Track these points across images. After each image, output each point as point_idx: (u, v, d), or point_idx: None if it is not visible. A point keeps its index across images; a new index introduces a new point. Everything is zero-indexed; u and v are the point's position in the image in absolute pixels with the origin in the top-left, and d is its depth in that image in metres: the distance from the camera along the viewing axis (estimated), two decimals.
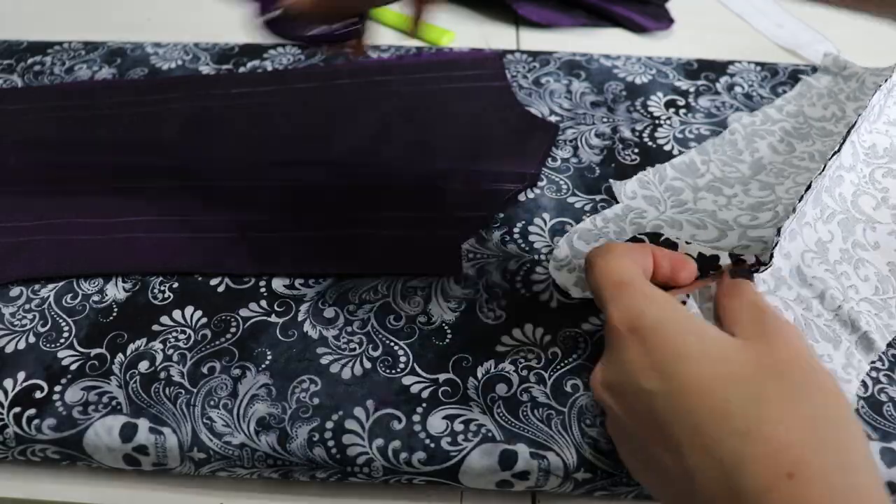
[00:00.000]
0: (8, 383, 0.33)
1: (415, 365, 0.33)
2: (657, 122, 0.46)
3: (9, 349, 0.34)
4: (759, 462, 0.22)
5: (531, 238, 0.39)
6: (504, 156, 0.43)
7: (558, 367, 0.33)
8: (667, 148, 0.45)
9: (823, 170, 0.36)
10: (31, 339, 0.34)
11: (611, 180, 0.42)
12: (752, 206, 0.40)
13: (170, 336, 0.34)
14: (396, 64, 0.50)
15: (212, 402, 0.32)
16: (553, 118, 0.47)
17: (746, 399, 0.24)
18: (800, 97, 0.48)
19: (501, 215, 0.40)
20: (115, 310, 0.36)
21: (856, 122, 0.39)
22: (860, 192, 0.39)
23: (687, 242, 0.33)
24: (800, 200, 0.34)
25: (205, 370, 0.33)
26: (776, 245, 0.31)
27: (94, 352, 0.34)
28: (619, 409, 0.27)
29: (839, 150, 0.37)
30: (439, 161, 0.43)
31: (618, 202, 0.41)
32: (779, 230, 0.32)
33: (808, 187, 0.34)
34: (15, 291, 0.36)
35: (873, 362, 0.34)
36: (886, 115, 0.42)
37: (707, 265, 0.32)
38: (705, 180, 0.42)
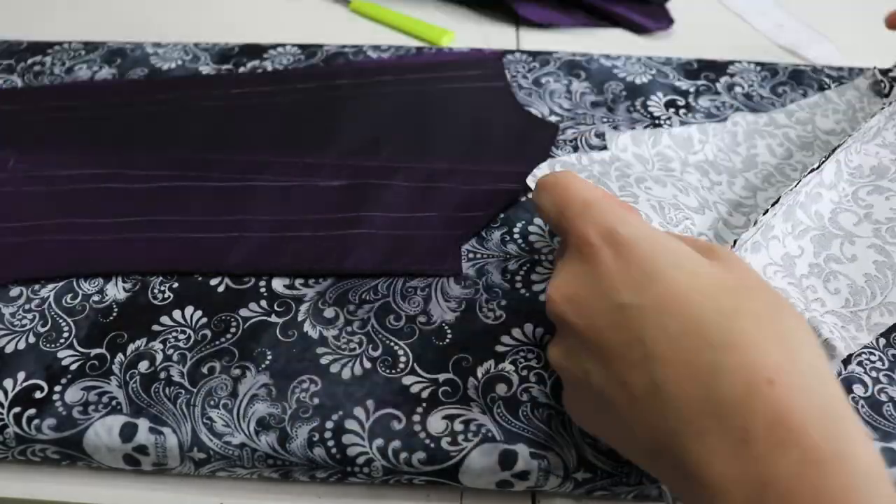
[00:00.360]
0: (8, 383, 0.33)
1: (415, 365, 0.33)
2: (657, 122, 0.46)
3: (9, 349, 0.34)
4: (736, 371, 0.22)
5: (531, 238, 0.39)
6: (504, 156, 0.43)
7: None
8: None
9: (798, 185, 0.36)
10: (31, 339, 0.34)
11: (605, 128, 0.43)
12: (730, 202, 0.40)
13: (170, 336, 0.34)
14: (396, 64, 0.50)
15: (212, 402, 0.32)
16: (553, 118, 0.47)
17: (722, 312, 0.24)
18: (815, 106, 0.48)
19: (502, 215, 0.40)
20: (116, 310, 0.36)
21: (845, 142, 0.39)
22: (840, 210, 0.38)
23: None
24: (765, 213, 0.34)
25: (205, 370, 0.33)
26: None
27: (94, 352, 0.34)
28: (580, 324, 0.26)
29: (819, 168, 0.37)
30: (439, 161, 0.43)
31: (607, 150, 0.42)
32: (735, 242, 0.33)
33: (777, 201, 0.34)
34: (15, 291, 0.36)
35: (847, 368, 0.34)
36: (882, 136, 0.41)
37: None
38: (696, 158, 0.43)
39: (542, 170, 0.41)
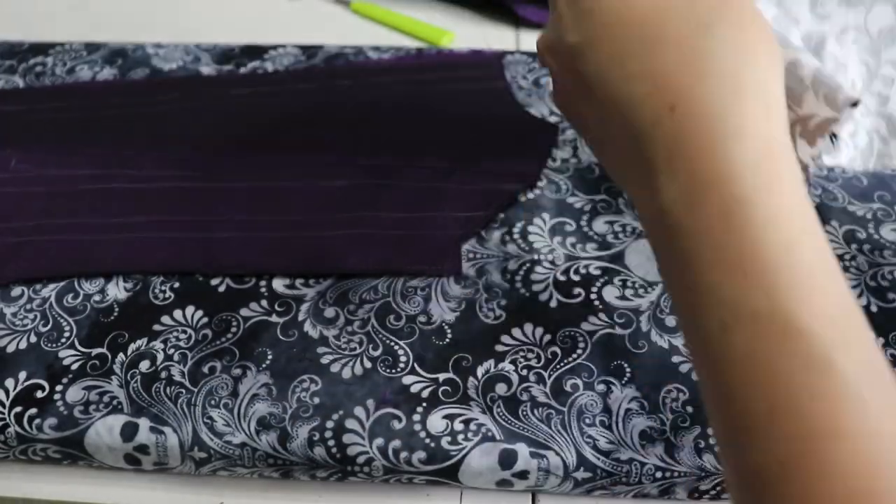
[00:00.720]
0: (9, 383, 0.33)
1: (415, 365, 0.33)
2: None
3: (10, 349, 0.34)
4: (645, 100, 0.22)
5: (531, 238, 0.39)
6: (504, 156, 0.43)
7: (558, 366, 0.33)
8: None
9: None
10: (33, 339, 0.34)
11: None
12: None
13: (171, 336, 0.35)
14: (396, 65, 0.51)
15: (212, 402, 0.32)
16: (553, 118, 0.47)
17: (644, 41, 0.23)
18: None
19: (502, 215, 0.40)
20: (116, 310, 0.36)
21: None
22: None
23: None
24: None
25: (205, 370, 0.33)
26: None
27: (95, 351, 0.34)
28: (558, 70, 0.27)
29: None
30: (439, 161, 0.43)
31: None
32: None
33: None
34: (16, 291, 0.37)
35: None
36: None
37: None
38: None
39: None
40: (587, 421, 0.31)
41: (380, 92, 0.48)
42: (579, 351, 0.34)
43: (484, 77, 0.49)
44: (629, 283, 0.37)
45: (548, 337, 0.34)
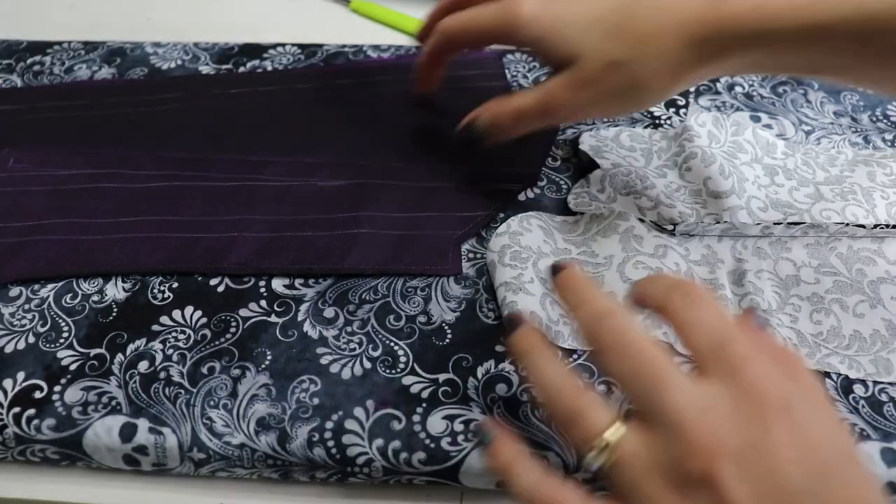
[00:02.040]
0: (7, 383, 0.33)
1: (415, 365, 0.33)
2: (657, 121, 0.46)
3: (8, 349, 0.34)
4: None
5: None
6: (503, 156, 0.43)
7: None
8: None
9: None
10: (31, 340, 0.34)
11: (605, 128, 0.44)
12: (776, 202, 0.40)
13: (169, 336, 0.34)
14: (395, 64, 0.50)
15: (211, 403, 0.32)
16: None
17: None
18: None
19: (501, 215, 0.40)
20: (115, 310, 0.36)
21: None
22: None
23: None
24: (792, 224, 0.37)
25: (204, 370, 0.33)
26: None
27: (93, 352, 0.34)
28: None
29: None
30: (439, 161, 0.43)
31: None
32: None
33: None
34: (14, 291, 0.36)
35: None
36: None
37: None
38: (771, 162, 0.43)
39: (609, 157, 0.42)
40: None
41: (379, 91, 0.48)
42: (579, 351, 0.34)
43: (483, 76, 0.49)
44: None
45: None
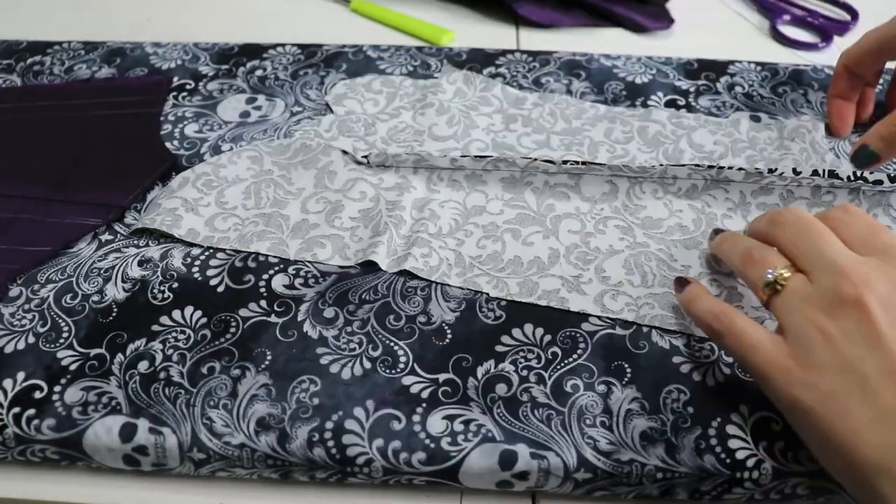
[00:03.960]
0: (7, 383, 0.33)
1: (415, 365, 0.33)
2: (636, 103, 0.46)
3: (8, 349, 0.34)
4: None
5: None
6: (94, 186, 0.42)
7: (558, 367, 0.33)
8: None
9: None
10: (31, 340, 0.34)
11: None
12: (502, 144, 0.44)
13: (169, 336, 0.34)
14: (62, 90, 0.49)
15: (211, 403, 0.32)
16: None
17: None
18: (717, 127, 0.46)
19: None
20: (115, 310, 0.36)
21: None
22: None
23: None
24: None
25: (204, 370, 0.33)
26: None
27: (93, 352, 0.34)
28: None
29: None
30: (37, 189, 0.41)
31: None
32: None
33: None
34: (14, 292, 0.36)
35: None
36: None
37: None
38: (514, 111, 0.47)
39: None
40: (588, 422, 0.31)
41: (39, 117, 0.46)
42: (580, 351, 0.34)
43: (137, 103, 0.48)
44: None
45: (548, 337, 0.34)
